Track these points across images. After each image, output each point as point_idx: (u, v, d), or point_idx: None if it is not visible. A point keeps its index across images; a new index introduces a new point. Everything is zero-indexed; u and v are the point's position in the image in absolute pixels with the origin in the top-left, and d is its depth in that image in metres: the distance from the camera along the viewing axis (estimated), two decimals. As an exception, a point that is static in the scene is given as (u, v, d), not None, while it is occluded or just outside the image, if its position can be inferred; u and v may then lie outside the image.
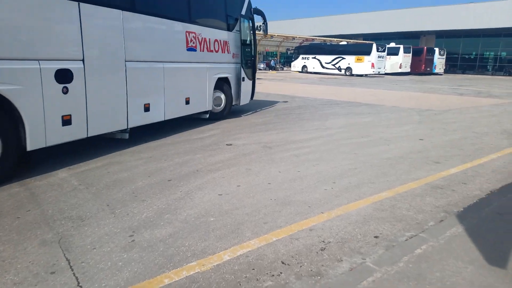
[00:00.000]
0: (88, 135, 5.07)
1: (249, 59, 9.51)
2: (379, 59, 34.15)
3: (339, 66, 35.85)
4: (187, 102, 7.32)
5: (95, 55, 5.04)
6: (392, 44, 39.40)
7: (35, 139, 4.31)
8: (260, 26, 9.99)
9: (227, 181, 4.54)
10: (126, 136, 5.88)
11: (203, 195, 4.07)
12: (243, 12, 9.02)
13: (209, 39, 7.78)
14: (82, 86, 4.81)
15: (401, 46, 39.17)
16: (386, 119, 9.82)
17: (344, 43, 39.51)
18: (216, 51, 8.12)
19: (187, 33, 7.09)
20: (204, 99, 7.94)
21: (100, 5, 5.06)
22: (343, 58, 35.33)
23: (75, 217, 3.40)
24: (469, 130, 8.28)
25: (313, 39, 43.62)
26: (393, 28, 47.93)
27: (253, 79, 9.83)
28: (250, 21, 9.46)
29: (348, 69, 35.18)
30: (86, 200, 3.81)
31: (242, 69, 9.23)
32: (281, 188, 4.34)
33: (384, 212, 3.69)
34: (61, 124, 4.60)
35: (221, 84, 8.57)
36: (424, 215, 3.65)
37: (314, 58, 37.60)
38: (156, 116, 6.47)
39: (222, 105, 8.83)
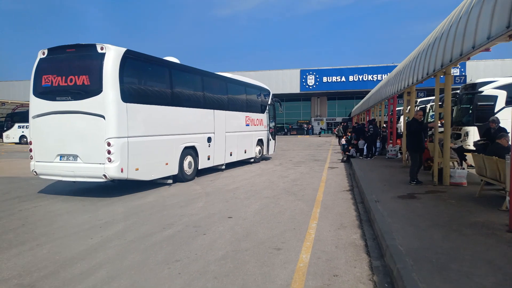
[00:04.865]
0: (213, 165, 12.10)
1: (272, 127, 17.05)
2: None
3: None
4: (245, 152, 14.52)
5: (217, 130, 12.12)
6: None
7: (200, 163, 11.10)
8: (279, 107, 17.68)
9: None
10: (223, 167, 12.90)
11: None
12: (269, 102, 16.72)
13: (254, 118, 15.16)
14: (213, 143, 11.86)
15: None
16: (169, 195, 8.31)
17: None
18: (257, 125, 15.42)
19: (245, 117, 14.43)
20: (252, 150, 15.17)
21: (220, 110, 12.39)
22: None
23: None
24: (259, 195, 8.07)
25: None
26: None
27: (274, 139, 17.43)
28: (273, 106, 17.15)
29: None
30: None
31: (269, 133, 16.69)
32: None
33: None
34: (207, 159, 11.55)
35: (259, 142, 15.82)
36: None
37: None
38: (234, 158, 13.52)
39: (260, 154, 16.02)
